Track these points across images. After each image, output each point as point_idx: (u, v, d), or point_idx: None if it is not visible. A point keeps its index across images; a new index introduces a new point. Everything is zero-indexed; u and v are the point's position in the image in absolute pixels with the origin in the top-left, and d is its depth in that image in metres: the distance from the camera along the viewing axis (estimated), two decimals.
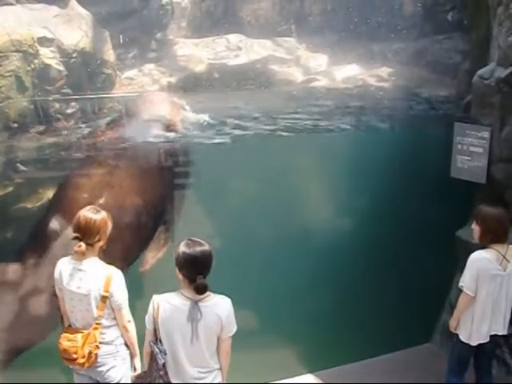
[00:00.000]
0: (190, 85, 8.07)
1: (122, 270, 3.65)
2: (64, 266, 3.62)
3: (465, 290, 4.03)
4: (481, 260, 3.99)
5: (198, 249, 3.23)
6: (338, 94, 8.05)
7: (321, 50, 9.07)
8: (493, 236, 4.02)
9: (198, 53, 8.80)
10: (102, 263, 3.60)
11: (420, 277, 6.09)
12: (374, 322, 5.90)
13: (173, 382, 3.27)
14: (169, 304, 3.25)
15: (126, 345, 3.66)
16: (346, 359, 5.42)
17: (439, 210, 6.16)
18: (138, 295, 3.98)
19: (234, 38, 9.08)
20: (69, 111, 6.88)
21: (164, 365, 3.25)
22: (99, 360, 3.56)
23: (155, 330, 3.28)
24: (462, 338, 4.13)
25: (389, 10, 9.15)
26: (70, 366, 3.64)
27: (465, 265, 4.07)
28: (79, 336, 3.52)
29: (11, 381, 4.88)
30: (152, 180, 6.00)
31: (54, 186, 6.08)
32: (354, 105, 7.55)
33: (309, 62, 8.98)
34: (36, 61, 6.62)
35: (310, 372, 5.28)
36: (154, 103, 6.68)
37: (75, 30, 7.13)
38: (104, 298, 3.49)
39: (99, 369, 3.59)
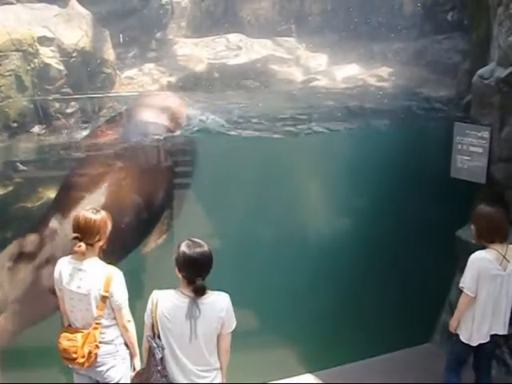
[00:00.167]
0: (189, 84, 8.07)
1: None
2: (64, 266, 3.62)
3: (465, 290, 4.03)
4: (481, 260, 3.99)
5: (199, 250, 3.24)
6: (337, 94, 8.04)
7: (321, 50, 9.07)
8: (487, 235, 4.01)
9: (197, 52, 8.80)
10: (102, 263, 3.60)
11: (420, 277, 6.09)
12: (374, 322, 5.90)
13: (175, 379, 3.27)
14: (168, 300, 3.27)
15: (126, 344, 3.66)
16: (346, 359, 5.42)
17: (439, 210, 6.16)
18: (138, 295, 3.97)
19: (234, 38, 9.08)
20: (69, 111, 6.88)
21: (162, 360, 3.25)
22: (99, 360, 3.56)
23: (153, 326, 3.29)
24: (463, 338, 4.13)
25: (389, 10, 9.14)
26: (70, 366, 3.65)
27: (465, 265, 4.07)
28: (79, 336, 3.52)
29: (11, 381, 4.88)
30: (153, 177, 6.03)
31: (54, 185, 6.08)
32: (354, 105, 7.54)
33: (309, 61, 8.98)
34: (36, 60, 6.61)
35: (310, 372, 5.27)
36: (156, 103, 6.70)
37: (75, 30, 7.13)
38: (104, 298, 3.50)
39: (99, 368, 3.60)
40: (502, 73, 4.75)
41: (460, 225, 5.26)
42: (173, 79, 8.17)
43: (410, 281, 6.11)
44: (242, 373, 4.17)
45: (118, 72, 7.80)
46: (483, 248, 4.04)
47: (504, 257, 3.96)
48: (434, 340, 5.64)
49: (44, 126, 6.64)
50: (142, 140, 6.14)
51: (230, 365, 3.42)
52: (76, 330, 3.57)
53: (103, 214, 3.63)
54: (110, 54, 7.53)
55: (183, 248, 3.26)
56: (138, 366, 3.67)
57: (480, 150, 4.97)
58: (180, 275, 3.26)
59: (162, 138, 6.23)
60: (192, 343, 3.22)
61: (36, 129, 6.57)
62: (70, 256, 3.64)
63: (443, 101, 7.52)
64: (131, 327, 3.62)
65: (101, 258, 3.63)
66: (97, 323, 3.53)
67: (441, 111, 7.28)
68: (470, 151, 5.06)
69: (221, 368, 3.37)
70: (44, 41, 6.71)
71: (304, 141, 6.82)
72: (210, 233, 6.10)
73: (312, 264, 6.24)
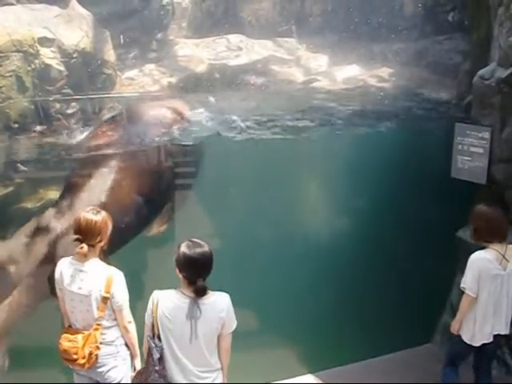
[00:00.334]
0: (190, 85, 8.07)
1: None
2: (65, 267, 3.62)
3: (467, 291, 4.02)
4: (481, 260, 3.98)
5: (199, 251, 3.24)
6: (338, 95, 8.04)
7: (321, 51, 9.08)
8: (486, 235, 4.01)
9: (198, 53, 8.82)
10: (103, 264, 3.60)
11: (420, 277, 6.09)
12: (375, 323, 5.90)
13: (175, 379, 3.27)
14: (168, 301, 3.27)
15: (127, 345, 3.66)
16: (347, 359, 5.42)
17: (440, 210, 6.16)
18: (139, 296, 3.97)
19: (235, 39, 9.10)
20: (69, 111, 6.89)
21: (160, 360, 3.25)
22: (100, 360, 3.56)
23: (153, 326, 3.29)
24: (465, 338, 4.12)
25: (389, 11, 9.16)
26: (71, 367, 3.64)
27: (465, 265, 4.06)
28: (80, 337, 3.52)
29: (11, 381, 4.88)
30: (155, 175, 6.06)
31: (55, 185, 6.09)
32: (355, 105, 7.55)
33: (309, 62, 8.99)
34: (36, 61, 6.63)
35: (311, 372, 5.27)
36: (158, 103, 6.71)
37: (76, 31, 7.14)
38: (105, 299, 3.49)
39: (99, 369, 3.59)
40: (502, 73, 4.75)
41: (460, 225, 5.26)
42: (173, 80, 8.18)
43: (411, 281, 6.11)
44: (242, 373, 4.17)
45: (118, 73, 7.81)
46: (483, 248, 4.04)
47: (503, 256, 3.96)
48: (435, 340, 5.64)
49: (45, 126, 6.65)
50: (146, 141, 6.14)
51: (230, 365, 3.42)
52: (76, 331, 3.57)
53: (104, 214, 3.63)
54: (110, 54, 7.54)
55: (183, 248, 3.26)
56: (139, 366, 3.67)
57: (480, 150, 4.97)
58: (181, 275, 3.26)
59: (166, 138, 6.24)
60: (192, 344, 3.22)
61: (37, 129, 6.58)
62: (71, 257, 3.64)
63: (444, 101, 7.52)
64: (132, 328, 3.61)
65: (101, 259, 3.64)
66: (98, 324, 3.53)
67: (441, 112, 7.28)
68: (471, 152, 5.06)
69: (222, 368, 3.37)
70: (44, 41, 6.73)
71: (304, 141, 6.82)
72: (210, 233, 6.10)
73: (313, 264, 6.24)
